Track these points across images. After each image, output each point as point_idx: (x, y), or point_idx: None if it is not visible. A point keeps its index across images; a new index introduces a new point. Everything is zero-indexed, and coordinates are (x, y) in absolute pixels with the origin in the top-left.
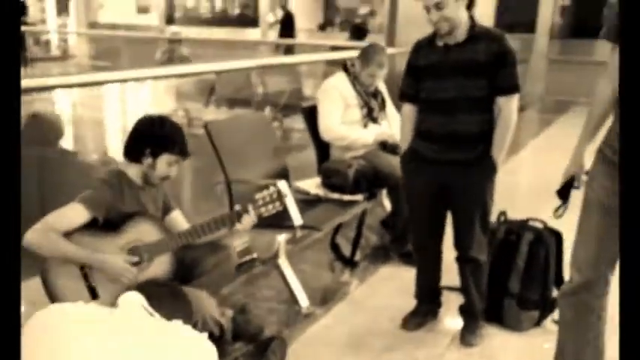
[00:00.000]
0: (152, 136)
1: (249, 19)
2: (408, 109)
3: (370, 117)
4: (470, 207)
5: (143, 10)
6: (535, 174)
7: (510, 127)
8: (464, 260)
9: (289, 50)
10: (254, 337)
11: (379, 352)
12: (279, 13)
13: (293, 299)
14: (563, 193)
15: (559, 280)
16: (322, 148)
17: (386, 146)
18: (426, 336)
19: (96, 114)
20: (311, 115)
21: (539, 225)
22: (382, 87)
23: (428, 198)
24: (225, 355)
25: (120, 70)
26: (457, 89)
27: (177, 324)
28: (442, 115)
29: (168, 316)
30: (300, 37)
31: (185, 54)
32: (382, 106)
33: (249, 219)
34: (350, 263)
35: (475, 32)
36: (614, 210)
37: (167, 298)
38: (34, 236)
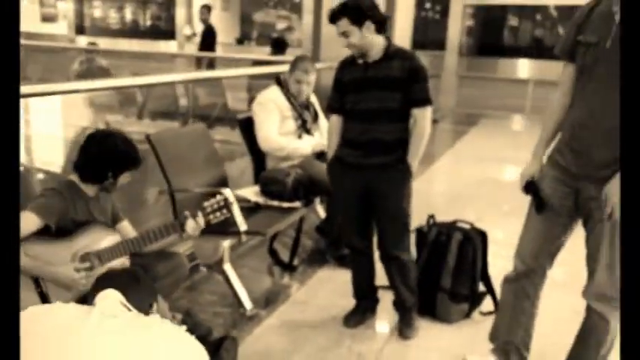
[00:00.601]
0: (113, 159)
1: (161, 31)
2: (335, 119)
3: (304, 128)
4: (388, 208)
5: (49, 18)
6: (452, 181)
7: (424, 136)
8: (387, 259)
9: (210, 63)
10: (203, 339)
11: (323, 348)
12: (196, 26)
13: (237, 302)
14: (529, 188)
15: (485, 276)
16: (258, 157)
17: (320, 156)
18: (365, 332)
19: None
20: (246, 126)
21: (466, 226)
22: (314, 100)
23: (354, 200)
24: None
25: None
26: (375, 101)
27: (157, 318)
28: (363, 124)
29: (134, 299)
30: (218, 51)
31: (104, 65)
32: (315, 117)
33: (197, 225)
34: (289, 267)
35: (389, 52)
36: (558, 210)
37: (130, 282)
38: None
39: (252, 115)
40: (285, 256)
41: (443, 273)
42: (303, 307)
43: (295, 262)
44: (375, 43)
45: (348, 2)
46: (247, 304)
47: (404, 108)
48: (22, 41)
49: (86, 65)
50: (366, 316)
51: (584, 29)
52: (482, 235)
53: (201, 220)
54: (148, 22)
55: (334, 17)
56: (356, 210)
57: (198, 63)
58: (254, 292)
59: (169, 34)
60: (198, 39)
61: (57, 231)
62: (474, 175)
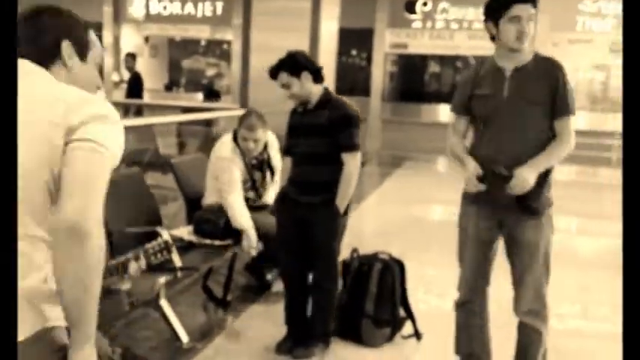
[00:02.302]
0: None
1: None
2: (286, 161)
3: (253, 189)
4: (316, 242)
5: None
6: (379, 219)
7: (352, 179)
8: (312, 287)
9: (139, 110)
10: None
11: None
12: (124, 74)
13: (174, 337)
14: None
15: (405, 302)
16: (192, 199)
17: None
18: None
19: None
20: (179, 171)
21: (385, 256)
22: (274, 155)
23: (290, 231)
24: None
25: None
26: (308, 146)
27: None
28: (299, 165)
29: None
30: (145, 98)
31: None
32: (271, 173)
33: (139, 267)
34: (223, 303)
35: (323, 100)
36: (484, 241)
37: None
38: None
39: (214, 168)
40: (218, 292)
41: (366, 300)
42: (238, 338)
43: (229, 297)
44: (313, 91)
45: (285, 58)
46: (183, 337)
47: (333, 153)
48: None
49: None
50: (298, 342)
51: (477, 85)
52: (400, 265)
53: (143, 262)
54: None
55: (274, 72)
56: (292, 241)
57: (126, 110)
58: (190, 326)
59: None
60: (125, 86)
61: None
62: (399, 213)
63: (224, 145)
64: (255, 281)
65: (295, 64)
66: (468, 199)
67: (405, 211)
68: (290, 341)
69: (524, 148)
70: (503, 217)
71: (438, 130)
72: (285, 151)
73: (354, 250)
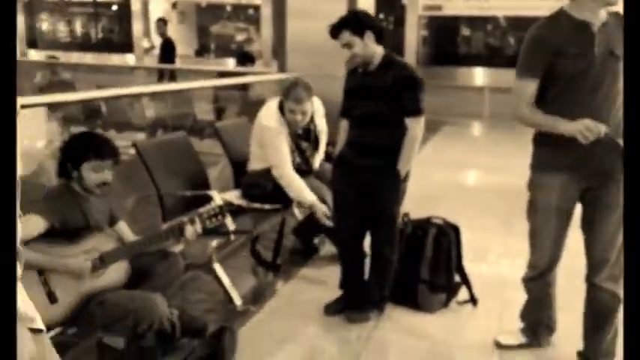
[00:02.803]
0: (66, 151)
1: (115, 44)
2: (343, 123)
3: (302, 159)
4: (376, 208)
5: None
6: (421, 184)
7: (415, 144)
8: (375, 255)
9: (172, 76)
10: (199, 333)
11: (312, 337)
12: (155, 39)
13: (227, 299)
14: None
15: (460, 267)
16: (238, 163)
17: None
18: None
19: None
20: (224, 135)
21: (440, 221)
22: (319, 121)
23: (348, 197)
24: (177, 350)
25: None
26: (369, 108)
27: None
28: (359, 128)
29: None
30: (177, 63)
31: (67, 78)
32: (315, 145)
33: (195, 230)
34: (273, 267)
35: (386, 62)
36: (567, 210)
37: None
38: None
39: (259, 136)
40: (266, 256)
41: (421, 265)
42: (290, 301)
43: (278, 261)
44: (375, 52)
45: (347, 16)
46: (237, 300)
47: (395, 116)
48: None
49: (48, 78)
50: (351, 306)
51: (560, 43)
52: (455, 230)
53: (198, 225)
54: (100, 35)
55: (335, 31)
56: (349, 207)
57: (160, 75)
58: (241, 289)
59: (124, 47)
60: (157, 52)
61: (60, 233)
62: (439, 179)
63: (270, 115)
64: (302, 245)
65: (358, 22)
66: (548, 167)
67: (446, 177)
68: (341, 304)
69: (614, 109)
70: (591, 183)
71: (473, 93)
72: (343, 113)
73: (405, 215)
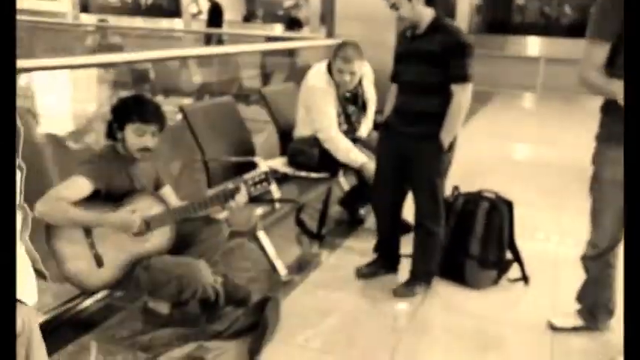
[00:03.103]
0: (114, 112)
1: (164, 9)
2: (393, 88)
3: (347, 123)
4: (419, 178)
5: None
6: (469, 156)
7: (461, 112)
8: (416, 226)
9: (219, 41)
10: (243, 301)
11: (357, 309)
12: (203, 4)
13: (271, 268)
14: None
15: (512, 244)
16: (284, 130)
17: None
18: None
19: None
20: (270, 100)
21: (492, 195)
22: (368, 87)
23: (389, 162)
24: (220, 318)
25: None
26: (417, 74)
27: None
28: (405, 94)
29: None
30: (225, 29)
31: (117, 42)
32: (363, 107)
33: (241, 197)
34: (317, 237)
35: (435, 25)
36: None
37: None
38: (45, 206)
39: (305, 97)
40: (311, 227)
41: (471, 240)
42: (335, 272)
43: (323, 231)
44: (423, 14)
45: None
46: (281, 269)
47: (442, 82)
48: (27, 18)
49: (99, 42)
50: (381, 271)
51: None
52: (509, 205)
53: (244, 192)
54: (150, 1)
55: None
56: (389, 172)
57: (208, 40)
58: (286, 259)
59: (172, 12)
60: (204, 17)
61: (105, 197)
62: (489, 151)
63: (318, 75)
64: (348, 216)
65: None
66: (616, 138)
67: (496, 150)
68: (372, 268)
69: None
70: None
71: (526, 63)
72: (392, 78)
73: (456, 188)
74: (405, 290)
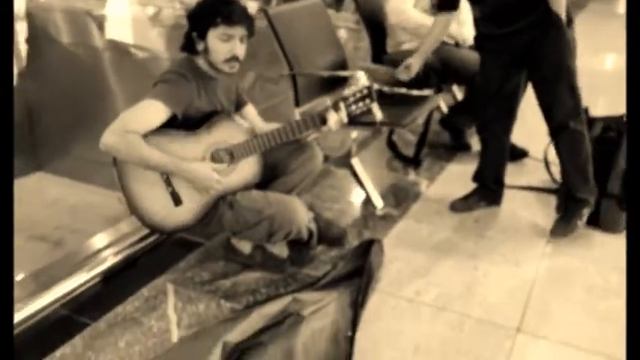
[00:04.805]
0: (191, 18)
1: None
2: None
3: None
4: (546, 69)
5: None
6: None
7: None
8: (554, 131)
9: None
10: (337, 241)
11: (475, 254)
12: None
13: (365, 200)
14: None
15: None
16: (378, 38)
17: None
18: (516, 235)
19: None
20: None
21: None
22: None
23: (500, 73)
24: (312, 260)
25: None
26: None
27: None
28: None
29: None
30: None
31: None
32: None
33: (340, 118)
34: (414, 162)
35: None
36: None
37: None
38: (112, 139)
39: None
40: (406, 151)
41: (611, 176)
42: (438, 205)
43: (421, 156)
44: None
45: None
46: (378, 201)
47: None
48: None
49: None
50: (480, 204)
51: None
52: None
53: (343, 112)
54: None
55: None
56: (500, 84)
57: None
58: (379, 189)
59: None
60: None
61: (182, 123)
62: (591, 65)
63: None
64: (451, 140)
65: None
66: None
67: (597, 64)
68: (471, 199)
69: None
70: None
71: None
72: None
73: (585, 110)
74: (563, 227)
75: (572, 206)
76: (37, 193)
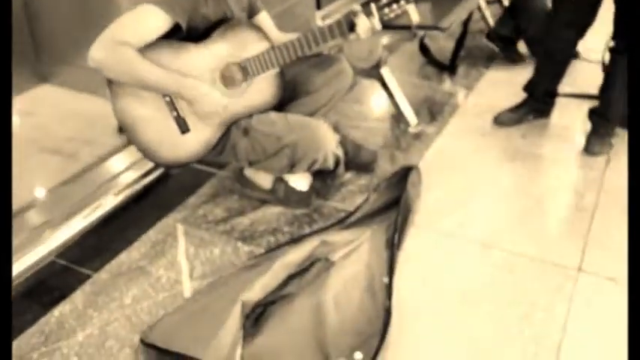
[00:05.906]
0: None
1: None
2: None
3: None
4: None
5: None
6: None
7: None
8: (618, 51)
9: None
10: (366, 166)
11: (520, 178)
12: None
13: (396, 116)
14: None
15: None
16: None
17: None
18: (570, 154)
19: None
20: None
21: None
22: None
23: None
24: (339, 190)
25: None
26: None
27: None
28: None
29: None
30: None
31: None
32: None
33: (371, 25)
34: (449, 69)
35: None
36: None
37: None
38: (101, 53)
39: None
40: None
41: None
42: (478, 119)
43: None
44: None
45: None
46: (411, 117)
47: None
48: None
49: None
50: (528, 117)
51: None
52: None
53: (376, 18)
54: None
55: None
56: None
57: None
58: (411, 102)
59: None
60: None
61: (187, 34)
62: None
63: None
64: (502, 51)
65: None
66: None
67: None
68: (521, 111)
69: None
70: None
71: None
72: None
73: None
74: (599, 146)
75: (604, 125)
76: (45, 106)
